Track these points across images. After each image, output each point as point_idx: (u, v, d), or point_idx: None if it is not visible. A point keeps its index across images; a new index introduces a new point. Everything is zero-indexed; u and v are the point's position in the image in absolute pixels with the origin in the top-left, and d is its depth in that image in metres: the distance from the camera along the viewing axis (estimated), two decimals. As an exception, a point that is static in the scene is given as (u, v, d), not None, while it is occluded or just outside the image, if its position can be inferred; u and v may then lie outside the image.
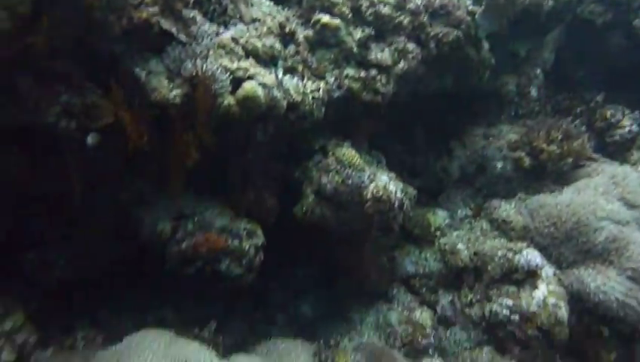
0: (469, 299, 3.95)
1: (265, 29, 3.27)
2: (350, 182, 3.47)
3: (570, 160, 4.18)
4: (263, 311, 4.37)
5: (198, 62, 2.69)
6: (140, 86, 2.58)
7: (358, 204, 3.46)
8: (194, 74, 2.66)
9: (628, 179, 3.98)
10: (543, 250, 3.80)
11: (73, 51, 2.39)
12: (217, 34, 2.99)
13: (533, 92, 4.70)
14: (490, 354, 3.70)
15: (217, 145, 3.09)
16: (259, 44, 3.15)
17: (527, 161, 4.25)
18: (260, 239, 3.36)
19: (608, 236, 3.55)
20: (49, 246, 3.00)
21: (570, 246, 3.69)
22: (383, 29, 3.82)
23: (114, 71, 2.54)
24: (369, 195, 3.42)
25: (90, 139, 2.44)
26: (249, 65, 2.99)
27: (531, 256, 3.68)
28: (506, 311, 3.62)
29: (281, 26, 3.43)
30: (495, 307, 3.68)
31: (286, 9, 3.65)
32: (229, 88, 2.85)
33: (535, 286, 3.59)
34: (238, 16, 3.20)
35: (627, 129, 4.86)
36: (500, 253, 3.81)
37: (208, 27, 2.95)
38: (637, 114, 5.00)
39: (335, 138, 3.79)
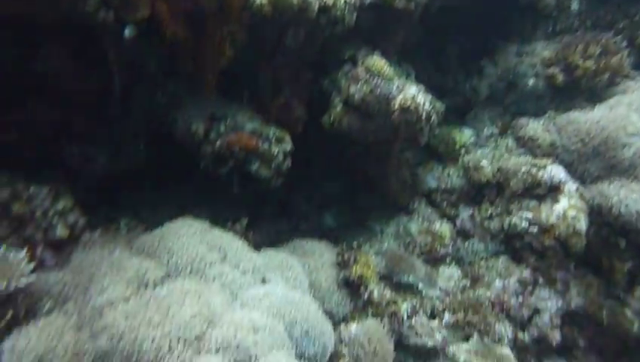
0: (488, 212, 4.05)
1: None
2: (379, 91, 3.48)
3: (605, 77, 4.06)
4: (287, 221, 4.58)
5: (231, -43, 2.65)
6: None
7: (385, 114, 3.49)
8: (227, -31, 2.64)
9: (664, 96, 3.87)
10: (568, 166, 3.83)
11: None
12: None
13: (574, 5, 4.46)
14: (506, 263, 3.86)
15: (248, 49, 3.12)
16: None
17: (560, 78, 4.15)
18: (288, 145, 3.46)
19: (636, 152, 3.53)
20: (90, 142, 3.16)
21: (597, 161, 3.70)
22: None
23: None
24: (397, 105, 3.44)
25: (128, 32, 2.49)
26: (281, -36, 2.93)
27: (555, 171, 3.71)
28: (524, 223, 3.72)
29: None
30: (514, 219, 3.78)
31: None
32: (262, -14, 2.83)
33: (556, 201, 3.65)
34: None
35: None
36: (523, 169, 3.84)
37: None
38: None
39: (365, 47, 3.75)
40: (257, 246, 3.42)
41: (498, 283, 3.78)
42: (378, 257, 3.80)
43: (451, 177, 4.37)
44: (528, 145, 4.09)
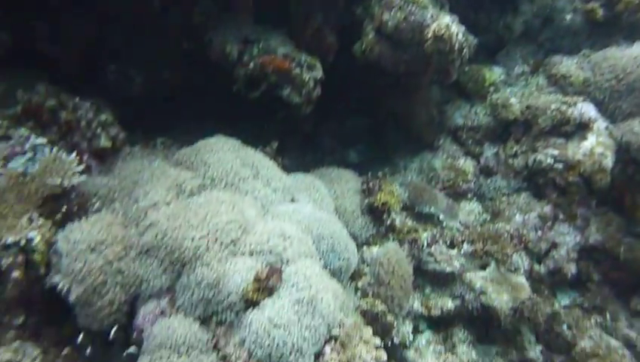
0: (514, 150, 4.07)
1: None
2: (412, 19, 3.44)
3: (648, 12, 3.92)
4: (312, 154, 4.68)
5: None
6: None
7: (418, 42, 3.46)
8: None
9: None
10: (599, 104, 3.78)
11: None
12: None
13: None
14: (527, 199, 3.93)
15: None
16: None
17: (600, 13, 4.01)
18: (318, 72, 3.49)
19: (672, 87, 3.48)
20: (127, 61, 3.25)
21: (630, 98, 3.64)
22: None
23: None
24: (430, 34, 3.41)
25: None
26: None
27: (586, 108, 3.68)
28: (550, 160, 3.74)
29: None
30: (540, 156, 3.80)
31: None
32: None
33: (584, 138, 3.65)
34: None
35: None
36: (553, 106, 3.82)
37: None
38: None
39: (399, -25, 3.67)
40: (285, 170, 3.54)
41: (518, 217, 3.86)
42: (401, 188, 3.90)
43: (478, 115, 4.36)
44: (560, 84, 4.03)
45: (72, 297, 2.21)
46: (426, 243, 3.70)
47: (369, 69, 3.74)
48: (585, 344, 3.54)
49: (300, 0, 3.51)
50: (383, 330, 3.09)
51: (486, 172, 4.22)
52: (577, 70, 3.96)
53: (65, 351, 2.24)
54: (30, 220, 2.20)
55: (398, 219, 3.68)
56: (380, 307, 3.05)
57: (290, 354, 2.22)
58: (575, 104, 3.72)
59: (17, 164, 2.35)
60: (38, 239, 2.17)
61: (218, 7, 3.19)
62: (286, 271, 2.44)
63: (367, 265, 3.39)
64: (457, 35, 3.47)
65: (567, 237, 3.75)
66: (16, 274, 2.10)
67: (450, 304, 3.59)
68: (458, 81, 4.41)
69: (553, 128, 3.81)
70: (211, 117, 3.70)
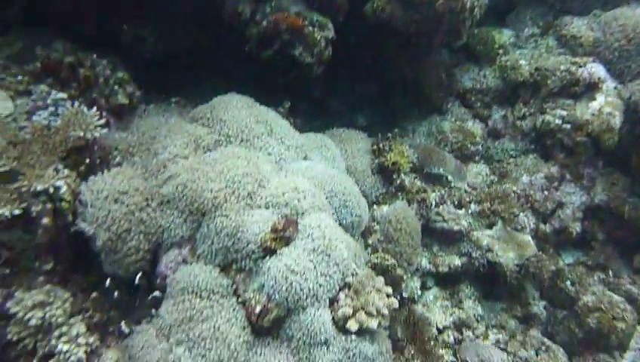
0: (522, 112, 4.11)
1: None
2: (423, -23, 3.43)
3: (661, -29, 3.90)
4: (321, 119, 4.72)
5: None
6: None
7: (429, 2, 3.46)
8: None
9: None
10: (608, 64, 3.80)
11: None
12: None
13: None
14: (535, 161, 3.98)
15: None
16: None
17: (612, -28, 4.00)
18: (330, 32, 3.50)
19: (683, 48, 3.49)
20: (140, 21, 3.27)
21: (639, 58, 3.66)
22: None
23: None
24: (441, -8, 3.41)
25: None
26: None
27: (595, 68, 3.70)
28: (558, 121, 3.78)
29: None
30: (548, 117, 3.84)
31: None
32: None
33: (593, 98, 3.68)
34: None
35: None
36: (562, 67, 3.83)
37: None
38: None
39: None
40: (298, 129, 3.59)
41: (525, 178, 3.93)
42: (410, 150, 3.95)
43: (487, 78, 4.38)
44: (570, 44, 4.03)
45: (99, 243, 2.31)
46: (434, 203, 3.79)
47: (380, 29, 3.75)
48: (588, 299, 3.65)
49: (310, -42, 3.50)
50: (392, 283, 3.18)
51: (494, 134, 4.27)
52: (587, 30, 3.95)
53: (93, 295, 2.35)
54: (56, 171, 2.28)
55: (408, 179, 3.75)
56: (390, 261, 3.14)
57: (307, 298, 2.33)
58: (585, 64, 3.73)
59: (40, 118, 2.42)
60: (64, 188, 2.26)
61: (230, -35, 3.19)
62: (301, 223, 2.52)
63: (377, 223, 3.48)
64: (468, -7, 3.47)
65: (573, 197, 3.82)
66: (45, 220, 2.19)
67: (457, 261, 3.70)
68: (467, 44, 4.41)
69: (562, 89, 3.83)
70: (223, 78, 3.74)
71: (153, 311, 2.33)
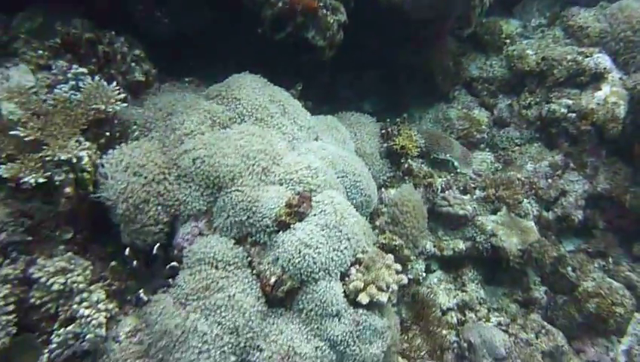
0: (527, 101, 4.17)
1: None
2: (436, -36, 3.48)
3: (668, -37, 3.96)
4: (329, 105, 4.77)
5: None
6: None
7: (440, -12, 3.51)
8: None
9: None
10: (614, 55, 3.87)
11: None
12: None
13: None
14: (539, 149, 4.06)
15: None
16: None
17: (620, -37, 4.06)
18: (342, 16, 3.55)
19: (688, 39, 3.55)
20: (155, 3, 3.31)
21: (645, 49, 3.74)
22: None
23: None
24: (453, -21, 3.46)
25: None
26: None
27: (601, 59, 3.76)
28: (564, 110, 3.85)
29: None
30: (554, 106, 3.91)
31: None
32: None
33: (598, 88, 3.74)
34: None
35: None
36: (569, 57, 3.90)
37: None
38: None
39: None
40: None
41: (530, 166, 4.00)
42: (417, 135, 4.02)
43: (493, 67, 4.44)
44: (576, 35, 4.10)
45: (118, 212, 2.37)
46: (440, 188, 3.86)
47: (390, 14, 3.79)
48: (588, 285, 3.75)
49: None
50: (399, 263, 3.28)
51: (499, 123, 4.34)
52: (594, 21, 4.02)
53: (112, 264, 2.41)
54: (78, 142, 2.33)
55: (415, 164, 3.82)
56: (398, 241, 3.22)
57: (319, 271, 2.39)
58: (591, 55, 3.80)
59: (61, 92, 2.47)
60: (86, 159, 2.31)
61: (246, -53, 3.22)
62: (314, 199, 2.59)
63: (385, 206, 3.55)
64: (479, -19, 3.52)
65: (576, 185, 3.90)
66: (68, 190, 2.25)
67: (461, 245, 3.78)
68: (475, 32, 4.47)
69: (568, 79, 3.90)
70: (235, 60, 3.78)
71: (170, 280, 2.40)
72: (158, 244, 2.45)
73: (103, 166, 2.42)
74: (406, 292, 3.62)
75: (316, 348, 2.32)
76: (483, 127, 4.27)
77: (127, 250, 2.40)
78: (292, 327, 2.35)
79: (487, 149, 4.30)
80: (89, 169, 2.34)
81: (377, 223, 3.48)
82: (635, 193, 3.80)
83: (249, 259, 2.46)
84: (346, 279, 2.50)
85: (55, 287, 2.20)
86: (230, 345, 2.22)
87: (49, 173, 2.20)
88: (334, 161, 2.96)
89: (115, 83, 2.58)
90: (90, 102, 2.42)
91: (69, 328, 2.19)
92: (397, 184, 3.73)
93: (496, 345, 3.27)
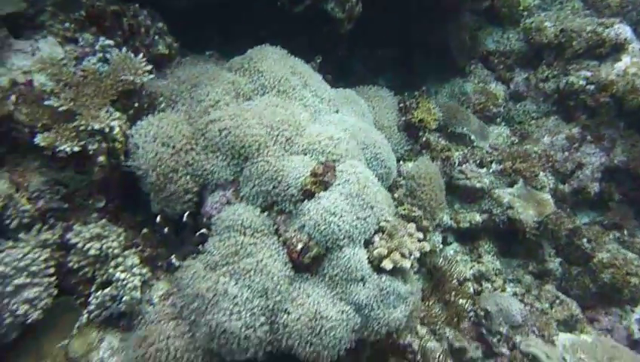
0: (545, 74, 4.16)
1: None
2: None
3: None
4: (345, 80, 4.78)
5: None
6: None
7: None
8: None
9: None
10: (635, 25, 3.84)
11: None
12: None
13: None
14: (556, 122, 4.06)
15: None
16: None
17: None
18: (360, -11, 3.54)
19: None
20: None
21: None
22: None
23: None
24: (473, -50, 3.43)
25: None
26: None
27: (622, 29, 3.73)
28: (582, 82, 3.84)
29: None
30: (572, 79, 3.90)
31: None
32: None
33: (618, 59, 3.72)
34: None
35: None
36: (588, 28, 3.87)
37: None
38: None
39: None
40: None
41: (546, 139, 4.02)
42: (436, 108, 4.03)
43: (510, 40, 4.41)
44: (596, 6, 4.06)
45: (149, 181, 2.43)
46: (457, 162, 3.89)
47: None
48: (603, 256, 3.79)
49: None
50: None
51: (516, 97, 4.33)
52: (615, -9, 3.97)
53: (144, 231, 2.49)
54: (108, 113, 2.39)
55: (432, 137, 3.84)
56: (417, 212, 3.26)
57: (344, 238, 2.46)
58: (611, 25, 3.76)
59: (89, 64, 2.51)
60: (117, 129, 2.37)
61: None
62: (337, 169, 2.64)
63: (403, 178, 3.59)
64: (500, -49, 3.48)
65: (593, 158, 3.92)
66: (101, 158, 2.32)
67: (478, 218, 3.83)
68: (492, 6, 4.44)
69: (587, 50, 3.88)
70: (252, 35, 3.80)
71: (200, 247, 2.47)
72: (187, 212, 2.53)
73: (133, 136, 2.48)
74: (423, 263, 3.69)
75: (342, 311, 2.40)
76: (499, 100, 4.27)
77: (159, 217, 2.48)
78: (318, 292, 2.42)
79: (504, 123, 4.31)
80: (120, 139, 2.40)
81: (395, 195, 3.52)
82: (652, 165, 3.82)
83: (275, 227, 2.53)
84: (370, 246, 2.56)
85: (91, 252, 2.28)
86: (260, 308, 2.30)
87: (83, 142, 2.26)
88: (355, 133, 2.99)
89: (141, 55, 2.62)
90: (119, 73, 2.46)
91: (106, 291, 2.28)
92: (414, 157, 3.77)
93: (512, 313, 3.34)
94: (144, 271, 2.40)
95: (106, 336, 2.31)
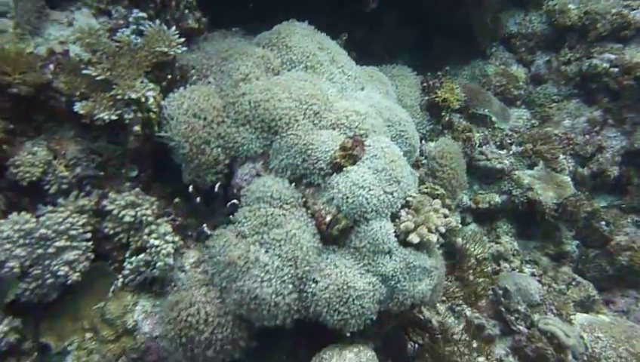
0: (567, 57, 4.14)
1: None
2: None
3: None
4: (363, 61, 4.78)
5: None
6: None
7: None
8: None
9: None
10: (661, 8, 3.81)
11: None
12: None
13: None
14: (577, 105, 4.06)
15: None
16: None
17: None
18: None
19: None
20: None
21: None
22: None
23: None
24: None
25: None
26: None
27: (648, 12, 3.71)
28: (605, 64, 3.82)
29: None
30: (595, 61, 3.88)
31: None
32: None
33: (644, 41, 3.70)
34: None
35: None
36: (614, 10, 3.84)
37: None
38: None
39: None
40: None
41: (567, 122, 4.02)
42: (459, 89, 4.03)
43: (533, 23, 4.39)
44: (622, -13, 4.03)
45: (182, 152, 2.48)
46: (478, 143, 3.91)
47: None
48: (621, 239, 3.82)
49: None
50: (442, 210, 3.37)
51: (537, 79, 4.32)
52: (642, -28, 3.93)
53: (175, 200, 2.54)
54: (143, 83, 2.42)
55: (454, 118, 3.85)
56: (440, 190, 3.29)
57: (372, 211, 2.50)
58: (637, 7, 3.73)
59: (123, 36, 2.54)
60: (152, 100, 2.41)
61: None
62: (366, 143, 2.67)
63: (425, 158, 3.62)
64: None
65: (614, 141, 3.92)
66: (137, 128, 2.36)
67: (497, 199, 3.86)
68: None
69: (612, 33, 3.86)
70: (278, 12, 3.80)
71: (231, 217, 2.52)
72: (219, 183, 2.57)
73: (166, 107, 2.52)
74: (442, 243, 3.73)
75: (369, 282, 2.45)
76: (520, 83, 4.27)
77: (191, 187, 2.53)
78: (346, 263, 2.47)
79: (524, 106, 4.31)
80: (155, 109, 2.44)
81: (417, 174, 3.55)
82: (673, 150, 3.82)
83: (303, 199, 2.57)
84: (397, 220, 2.61)
85: (126, 219, 2.34)
86: (290, 276, 2.35)
87: (120, 111, 2.30)
88: (380, 110, 3.01)
89: (173, 28, 2.64)
90: (153, 45, 2.49)
91: (140, 256, 2.34)
92: (436, 137, 3.78)
93: (531, 291, 3.38)
94: (176, 238, 2.45)
95: (139, 300, 2.38)
